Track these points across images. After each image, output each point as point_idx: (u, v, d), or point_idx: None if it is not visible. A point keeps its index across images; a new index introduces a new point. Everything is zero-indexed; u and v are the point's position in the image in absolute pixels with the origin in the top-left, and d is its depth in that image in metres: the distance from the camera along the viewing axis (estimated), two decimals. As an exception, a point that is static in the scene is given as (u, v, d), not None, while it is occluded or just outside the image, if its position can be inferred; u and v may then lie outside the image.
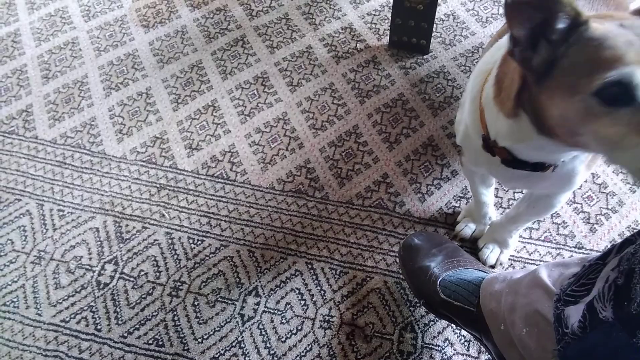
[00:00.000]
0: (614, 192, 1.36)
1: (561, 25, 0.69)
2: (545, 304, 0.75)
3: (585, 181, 1.37)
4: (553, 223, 1.32)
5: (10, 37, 1.84)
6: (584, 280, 0.68)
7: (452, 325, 1.19)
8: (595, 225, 1.31)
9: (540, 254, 1.27)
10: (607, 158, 0.72)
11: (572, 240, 1.29)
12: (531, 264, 1.26)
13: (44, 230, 1.38)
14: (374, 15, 1.79)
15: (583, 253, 1.27)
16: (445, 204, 1.37)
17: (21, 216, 1.41)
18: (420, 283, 1.12)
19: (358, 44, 1.72)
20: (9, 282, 1.31)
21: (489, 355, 1.14)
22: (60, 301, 1.27)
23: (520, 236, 1.30)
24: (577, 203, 1.34)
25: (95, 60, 1.75)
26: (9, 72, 1.74)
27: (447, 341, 1.17)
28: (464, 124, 1.02)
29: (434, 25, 1.63)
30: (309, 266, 1.29)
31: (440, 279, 1.08)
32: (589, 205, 1.34)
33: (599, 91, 0.66)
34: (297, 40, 1.75)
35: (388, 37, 1.70)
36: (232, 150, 1.50)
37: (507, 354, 0.90)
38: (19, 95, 1.68)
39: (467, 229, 1.31)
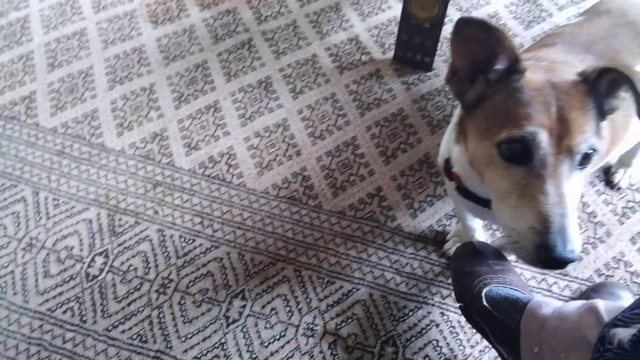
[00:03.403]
0: (602, 222, 1.37)
1: (500, 66, 0.72)
2: (594, 331, 0.74)
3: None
4: (541, 248, 1.33)
5: (19, 23, 1.85)
6: (638, 310, 0.68)
7: (437, 345, 1.20)
8: (581, 254, 1.33)
9: (525, 278, 1.29)
10: (493, 207, 0.74)
11: (558, 267, 1.30)
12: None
13: (38, 218, 1.39)
14: (381, 28, 1.81)
15: (567, 280, 1.28)
16: (437, 222, 1.38)
17: (16, 202, 1.42)
18: (465, 286, 1.10)
19: (363, 56, 1.74)
20: (-1, 267, 1.32)
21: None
22: (48, 290, 1.28)
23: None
24: (566, 230, 1.36)
25: (102, 52, 1.77)
26: (15, 58, 1.76)
27: (428, 358, 1.19)
28: (443, 143, 1.05)
29: (439, 44, 1.65)
30: (297, 273, 1.30)
31: (488, 288, 1.05)
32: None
33: (501, 143, 0.69)
34: (303, 47, 1.76)
35: (393, 52, 1.72)
36: (230, 152, 1.52)
37: None
38: (24, 81, 1.69)
39: (455, 248, 1.33)
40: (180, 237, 1.36)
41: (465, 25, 0.69)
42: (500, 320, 0.99)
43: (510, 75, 0.71)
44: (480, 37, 0.69)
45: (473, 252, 1.16)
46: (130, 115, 1.60)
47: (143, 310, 1.25)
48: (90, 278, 1.30)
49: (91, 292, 1.28)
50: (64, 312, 1.25)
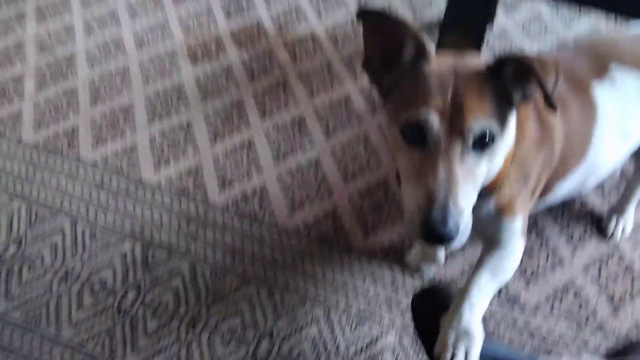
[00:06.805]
0: (641, 274, 1.33)
1: (409, 53, 0.74)
2: None
3: (612, 259, 1.36)
4: (575, 299, 1.30)
5: (66, 59, 1.94)
6: None
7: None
8: (619, 304, 1.29)
9: (560, 333, 1.25)
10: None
11: (594, 320, 1.27)
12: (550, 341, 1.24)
13: (74, 250, 1.43)
14: (414, 71, 1.83)
15: (604, 335, 1.24)
16: (469, 264, 1.36)
17: (55, 233, 1.47)
18: None
19: (396, 98, 1.76)
20: (35, 297, 1.35)
21: None
22: (80, 322, 1.30)
23: (541, 311, 1.28)
24: (602, 282, 1.33)
25: (143, 88, 1.83)
26: (61, 92, 1.83)
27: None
28: None
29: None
30: (325, 313, 1.30)
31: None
32: (614, 284, 1.32)
33: (403, 127, 0.72)
34: (336, 88, 1.80)
35: (426, 94, 1.73)
36: (262, 190, 1.54)
37: None
38: (67, 115, 1.76)
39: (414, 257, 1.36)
40: (212, 273, 1.37)
41: (365, 17, 0.73)
42: None
43: (417, 61, 0.74)
44: (385, 26, 0.72)
45: (438, 297, 1.00)
46: (168, 150, 1.65)
47: (172, 346, 1.26)
48: (122, 312, 1.32)
49: (122, 326, 1.29)
50: (95, 345, 1.26)
